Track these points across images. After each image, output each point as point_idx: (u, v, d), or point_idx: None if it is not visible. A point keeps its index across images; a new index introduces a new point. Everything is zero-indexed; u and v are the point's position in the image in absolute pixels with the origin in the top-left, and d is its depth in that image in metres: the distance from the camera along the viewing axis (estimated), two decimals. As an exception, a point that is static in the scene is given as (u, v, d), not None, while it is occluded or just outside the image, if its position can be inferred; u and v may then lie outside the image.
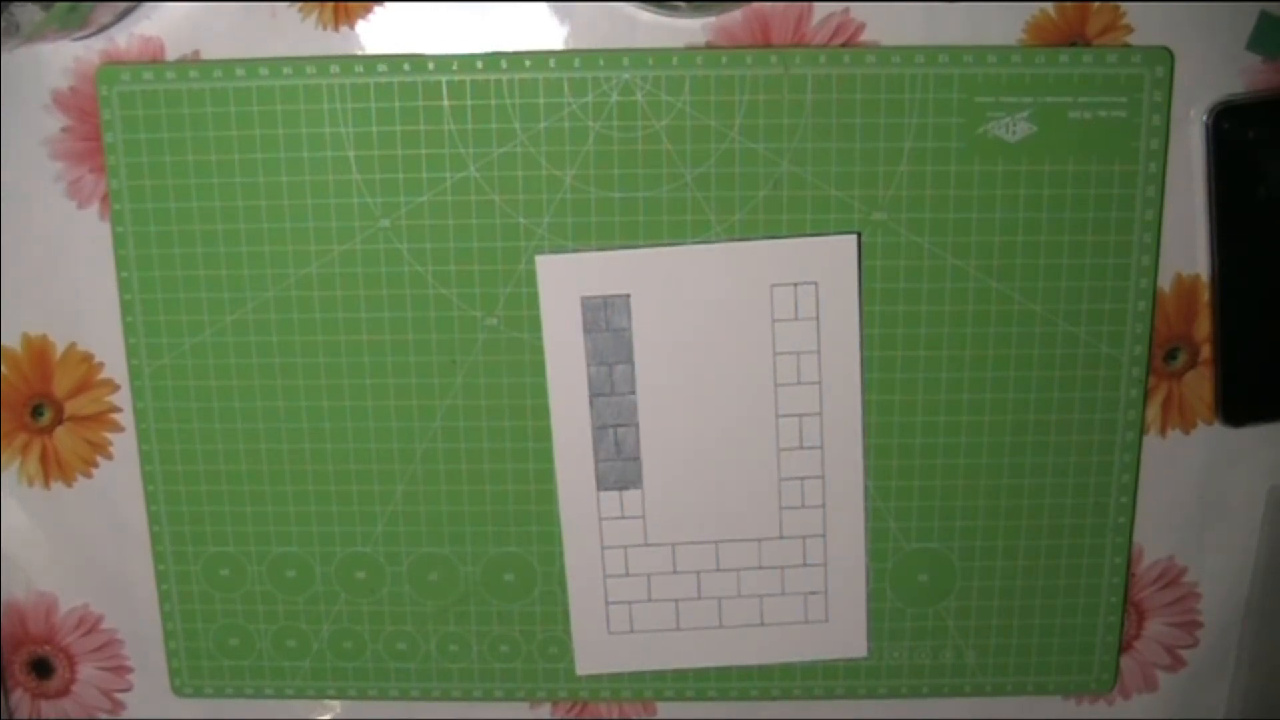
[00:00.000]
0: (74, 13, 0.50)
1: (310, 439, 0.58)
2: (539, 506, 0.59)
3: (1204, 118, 0.54)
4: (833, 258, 0.55)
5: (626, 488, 0.58)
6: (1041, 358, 0.57)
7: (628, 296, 0.56)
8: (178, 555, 0.60)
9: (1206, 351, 0.57)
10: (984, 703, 0.61)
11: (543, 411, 0.58)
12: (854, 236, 0.55)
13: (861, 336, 0.56)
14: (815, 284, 0.56)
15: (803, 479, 0.58)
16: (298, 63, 0.54)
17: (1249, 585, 0.60)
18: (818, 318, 0.56)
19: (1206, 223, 0.56)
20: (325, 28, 0.54)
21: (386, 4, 0.54)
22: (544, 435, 0.58)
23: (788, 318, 0.56)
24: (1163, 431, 0.58)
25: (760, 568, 0.59)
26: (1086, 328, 0.56)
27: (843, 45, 0.54)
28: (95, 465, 0.60)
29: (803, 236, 0.55)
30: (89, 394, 0.59)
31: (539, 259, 0.56)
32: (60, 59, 0.55)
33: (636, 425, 0.57)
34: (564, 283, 0.56)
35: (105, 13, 0.53)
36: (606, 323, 0.56)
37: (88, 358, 0.58)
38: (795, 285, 0.56)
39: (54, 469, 0.60)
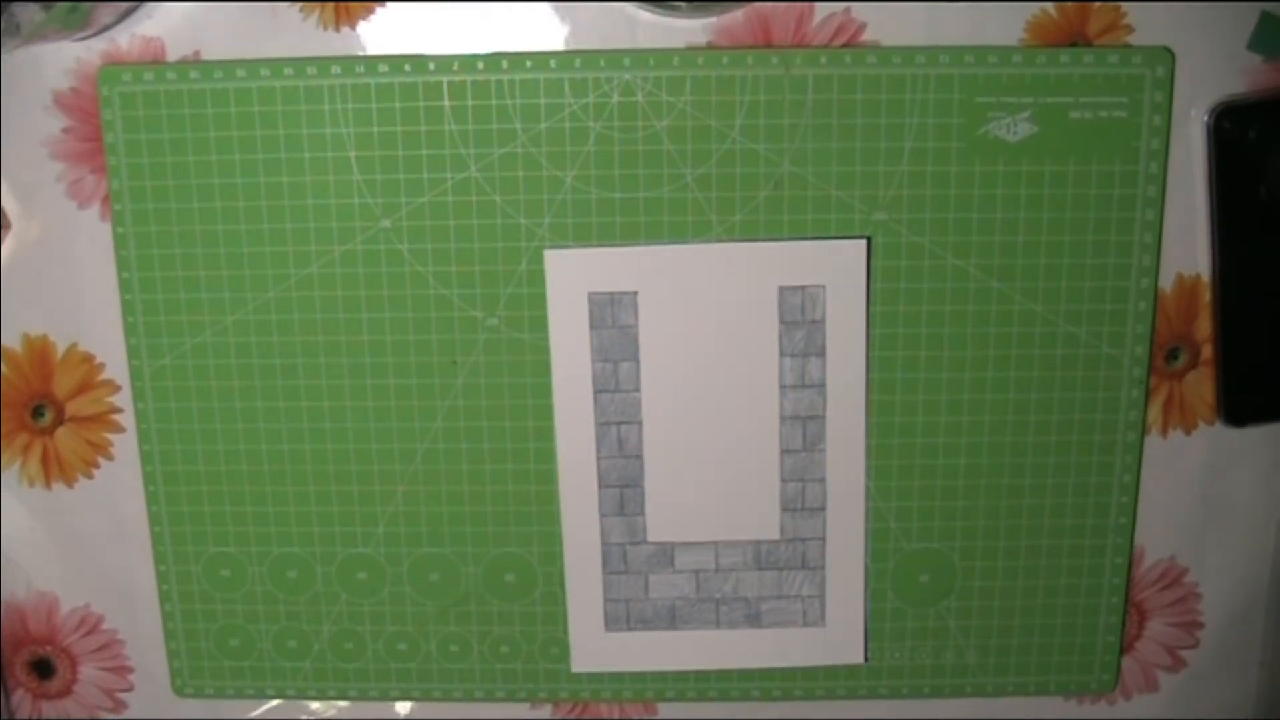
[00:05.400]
0: (75, 13, 0.50)
1: (311, 439, 0.58)
2: (540, 507, 0.59)
3: (1205, 118, 0.54)
4: (842, 261, 0.55)
5: (628, 485, 0.58)
6: (1042, 358, 0.57)
7: (635, 293, 0.56)
8: (178, 555, 0.60)
9: (1208, 351, 0.57)
10: (985, 703, 0.61)
11: (544, 412, 0.58)
12: (864, 241, 0.55)
13: (868, 341, 0.56)
14: (823, 287, 0.56)
15: (804, 481, 0.58)
16: (299, 63, 0.54)
17: (1258, 592, 0.60)
18: (825, 321, 0.56)
19: (1207, 223, 0.56)
20: (326, 28, 0.54)
21: (387, 4, 0.54)
22: (545, 436, 0.58)
23: (795, 320, 0.56)
24: (1164, 432, 0.58)
25: (759, 569, 0.59)
26: (1087, 328, 0.56)
27: (844, 45, 0.54)
28: (96, 466, 0.60)
29: (812, 239, 0.55)
30: (90, 394, 0.59)
31: (547, 253, 0.56)
32: (61, 59, 0.55)
33: (639, 423, 0.57)
34: (572, 278, 0.56)
35: (106, 13, 0.53)
36: (613, 319, 0.56)
37: (88, 358, 0.58)
38: (803, 288, 0.56)
39: (55, 470, 0.60)
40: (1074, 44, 0.54)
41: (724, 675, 0.61)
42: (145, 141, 0.55)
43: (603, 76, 0.54)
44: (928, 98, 0.54)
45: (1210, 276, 0.56)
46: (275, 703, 0.62)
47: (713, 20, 0.54)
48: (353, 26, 0.54)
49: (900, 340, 0.57)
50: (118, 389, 0.59)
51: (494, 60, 0.54)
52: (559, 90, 0.54)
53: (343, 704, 0.62)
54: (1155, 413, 0.58)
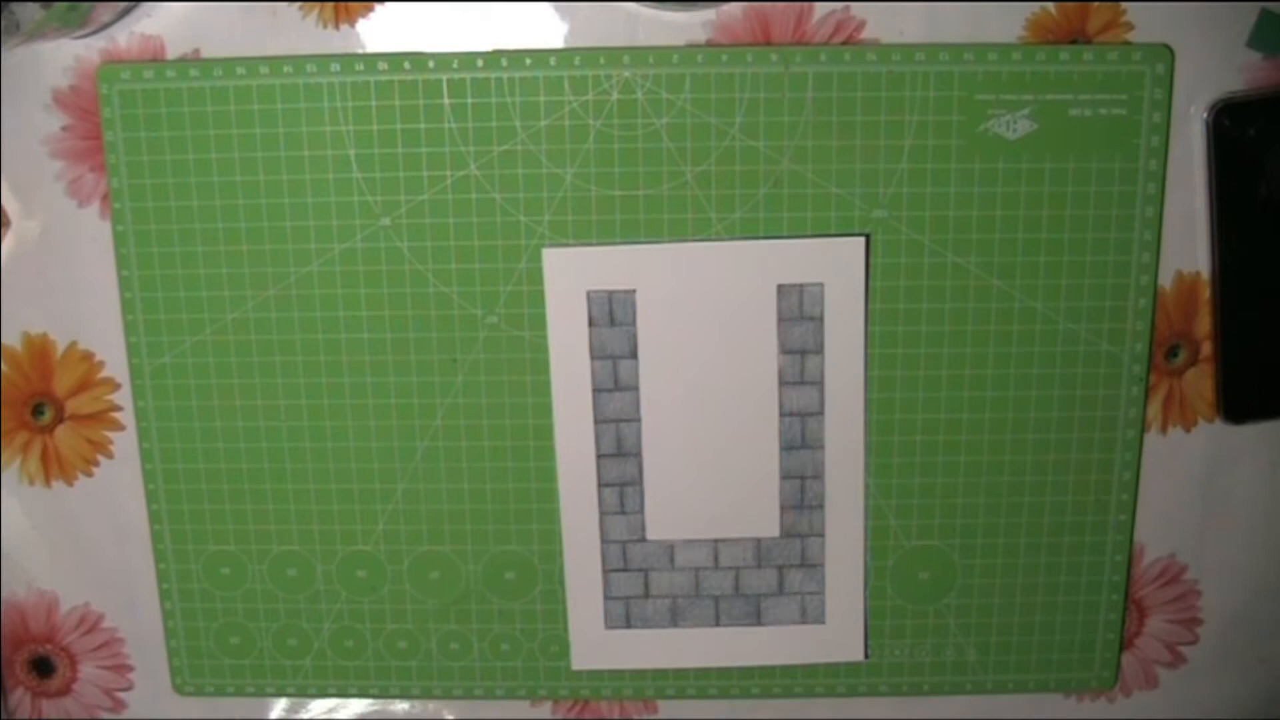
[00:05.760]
0: (74, 11, 0.50)
1: (311, 437, 0.58)
2: (540, 505, 0.59)
3: (1204, 115, 0.54)
4: (840, 259, 0.55)
5: (627, 483, 0.58)
6: (1042, 355, 0.57)
7: (633, 292, 0.56)
8: (178, 554, 0.60)
9: (1207, 349, 0.57)
10: (985, 700, 0.61)
11: (544, 409, 0.58)
12: (862, 238, 0.55)
13: (867, 338, 0.56)
14: (822, 285, 0.56)
15: (804, 479, 0.58)
16: (298, 61, 0.54)
17: (1257, 589, 0.60)
18: (823, 318, 0.56)
19: (1207, 220, 0.56)
20: (325, 26, 0.54)
21: (387, 2, 0.54)
22: (545, 433, 0.58)
23: (793, 317, 0.56)
24: (1164, 429, 0.58)
25: (759, 567, 0.59)
26: (1087, 325, 0.56)
27: (843, 43, 0.54)
28: (96, 464, 0.60)
29: (810, 237, 0.55)
30: (89, 393, 0.59)
31: (546, 252, 0.56)
32: (60, 58, 0.55)
33: (639, 421, 0.57)
34: (570, 276, 0.56)
35: (105, 11, 0.53)
36: (611, 317, 0.56)
37: (88, 356, 0.58)
38: (802, 285, 0.56)
39: (55, 468, 0.60)
40: (1074, 41, 0.54)
41: (724, 673, 0.61)
42: (145, 139, 0.55)
43: (602, 74, 0.54)
44: (927, 95, 0.54)
45: (1210, 274, 0.56)
46: (275, 701, 0.62)
47: (712, 18, 0.54)
48: (352, 24, 0.54)
49: (900, 338, 0.57)
50: (117, 387, 0.59)
51: (493, 58, 0.54)
52: (558, 88, 0.54)
53: (343, 702, 0.62)
54: (1155, 410, 0.58)
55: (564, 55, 0.54)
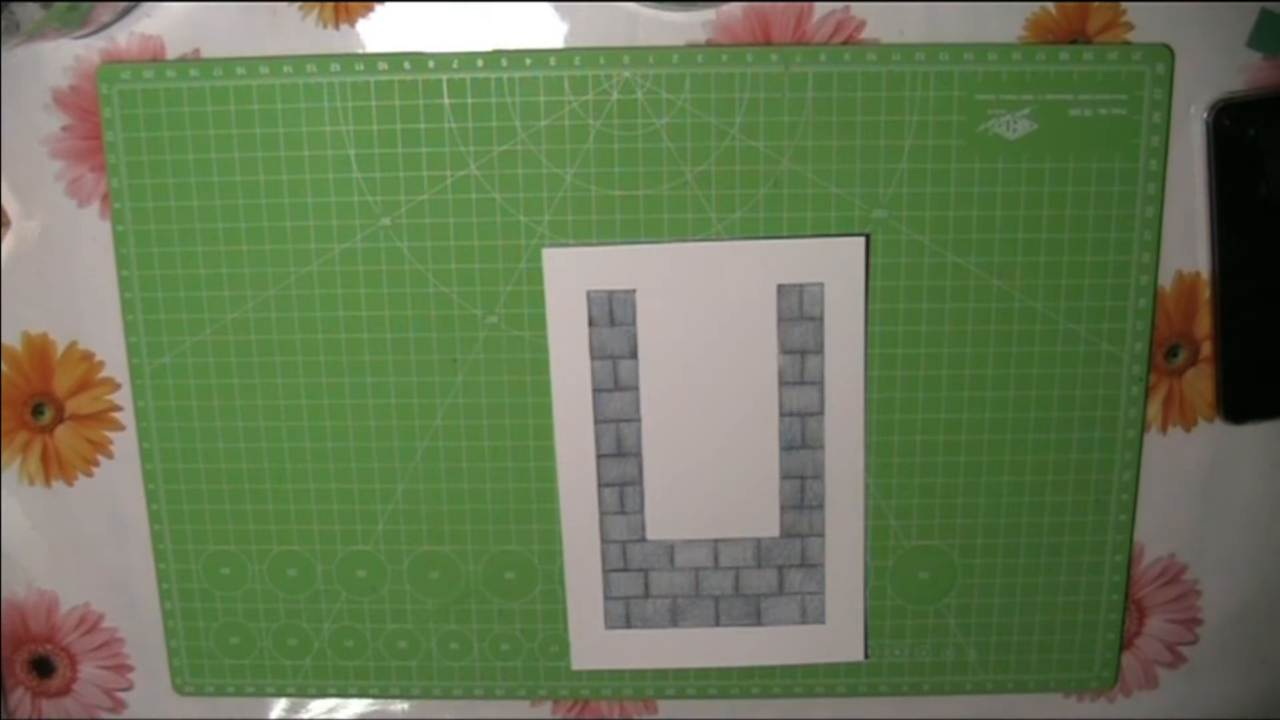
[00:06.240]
0: (74, 11, 0.50)
1: (311, 437, 0.58)
2: (540, 505, 0.59)
3: (1204, 115, 0.54)
4: (840, 259, 0.55)
5: (627, 483, 0.58)
6: (1042, 355, 0.57)
7: (633, 292, 0.56)
8: (179, 554, 0.60)
9: (1207, 349, 0.57)
10: (985, 700, 0.61)
11: (544, 409, 0.58)
12: (862, 238, 0.55)
13: (867, 338, 0.56)
14: (822, 285, 0.56)
15: (804, 478, 0.58)
16: (298, 61, 0.54)
17: (1257, 589, 0.60)
18: (823, 318, 0.56)
19: (1207, 220, 0.56)
20: (325, 26, 0.54)
21: (387, 2, 0.54)
22: (545, 433, 0.58)
23: (793, 317, 0.56)
24: (1164, 429, 0.58)
25: (759, 567, 0.59)
26: (1087, 325, 0.56)
27: (843, 43, 0.54)
28: (96, 464, 0.60)
29: (810, 237, 0.55)
30: (89, 393, 0.59)
31: (546, 252, 0.56)
32: (60, 58, 0.55)
33: (639, 421, 0.57)
34: (570, 276, 0.56)
35: (105, 11, 0.53)
36: (611, 317, 0.56)
37: (88, 356, 0.58)
38: (802, 285, 0.56)
39: (55, 468, 0.60)
40: (1074, 41, 0.54)
41: (724, 673, 0.61)
42: (145, 139, 0.55)
43: (602, 74, 0.54)
44: (927, 95, 0.54)
45: (1210, 274, 0.56)
46: (275, 701, 0.62)
47: (712, 18, 0.54)
48: (352, 24, 0.54)
49: (900, 338, 0.57)
50: (117, 387, 0.59)
51: (493, 58, 0.54)
52: (559, 88, 0.54)
53: (343, 702, 0.62)
54: (1155, 410, 0.58)
55: (564, 55, 0.54)
